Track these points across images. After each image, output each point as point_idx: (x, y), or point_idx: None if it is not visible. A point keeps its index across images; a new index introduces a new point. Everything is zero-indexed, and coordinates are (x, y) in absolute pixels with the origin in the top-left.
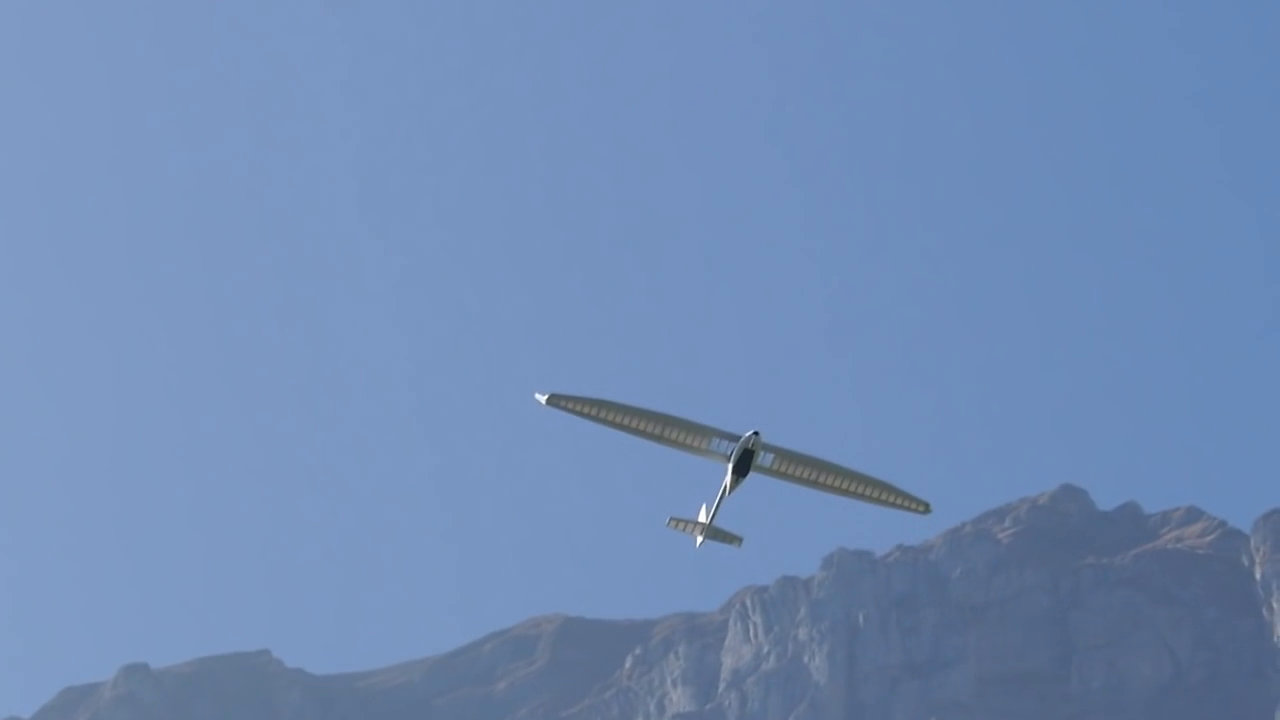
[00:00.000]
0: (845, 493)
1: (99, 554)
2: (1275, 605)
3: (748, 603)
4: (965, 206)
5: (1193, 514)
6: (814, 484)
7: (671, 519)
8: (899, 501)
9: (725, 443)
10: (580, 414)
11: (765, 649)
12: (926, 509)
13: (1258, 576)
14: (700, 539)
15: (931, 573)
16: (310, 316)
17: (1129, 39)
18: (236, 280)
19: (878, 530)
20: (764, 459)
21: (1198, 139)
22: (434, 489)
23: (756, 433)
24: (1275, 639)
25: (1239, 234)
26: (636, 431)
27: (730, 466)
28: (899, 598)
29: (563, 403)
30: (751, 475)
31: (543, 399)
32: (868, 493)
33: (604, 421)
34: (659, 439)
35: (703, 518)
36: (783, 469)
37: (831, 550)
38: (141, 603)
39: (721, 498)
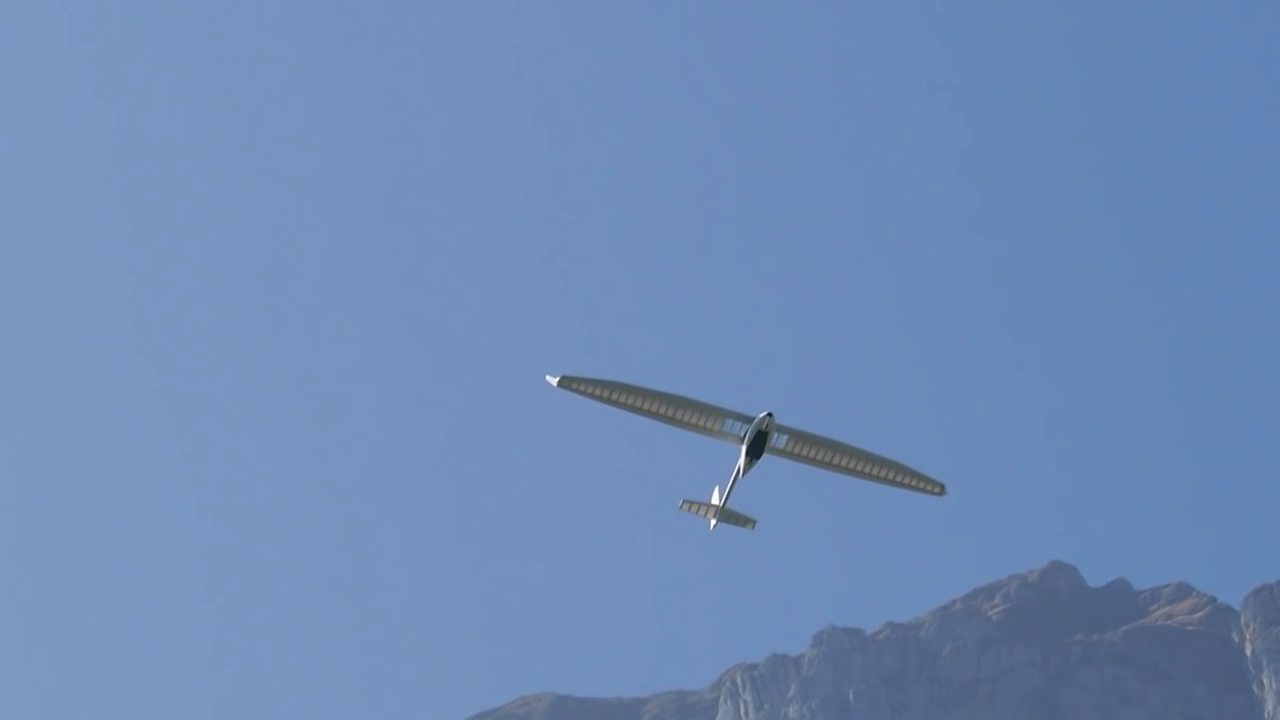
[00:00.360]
0: (860, 474)
1: (82, 638)
2: (1265, 681)
3: (738, 680)
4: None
5: (1182, 590)
6: (828, 465)
7: (684, 501)
8: (913, 483)
9: (738, 424)
10: (592, 396)
11: None
12: (942, 490)
13: (1248, 653)
14: (714, 522)
15: (921, 650)
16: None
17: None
18: (190, 331)
19: (868, 607)
20: (778, 440)
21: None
22: (418, 564)
23: (770, 414)
24: (1265, 715)
25: (1225, 317)
26: (649, 413)
27: (743, 448)
28: (889, 675)
29: (575, 385)
30: (765, 457)
31: (554, 381)
32: (882, 474)
33: (616, 403)
34: (671, 421)
35: (715, 500)
36: (797, 450)
37: (822, 628)
38: (130, 684)
39: (735, 480)
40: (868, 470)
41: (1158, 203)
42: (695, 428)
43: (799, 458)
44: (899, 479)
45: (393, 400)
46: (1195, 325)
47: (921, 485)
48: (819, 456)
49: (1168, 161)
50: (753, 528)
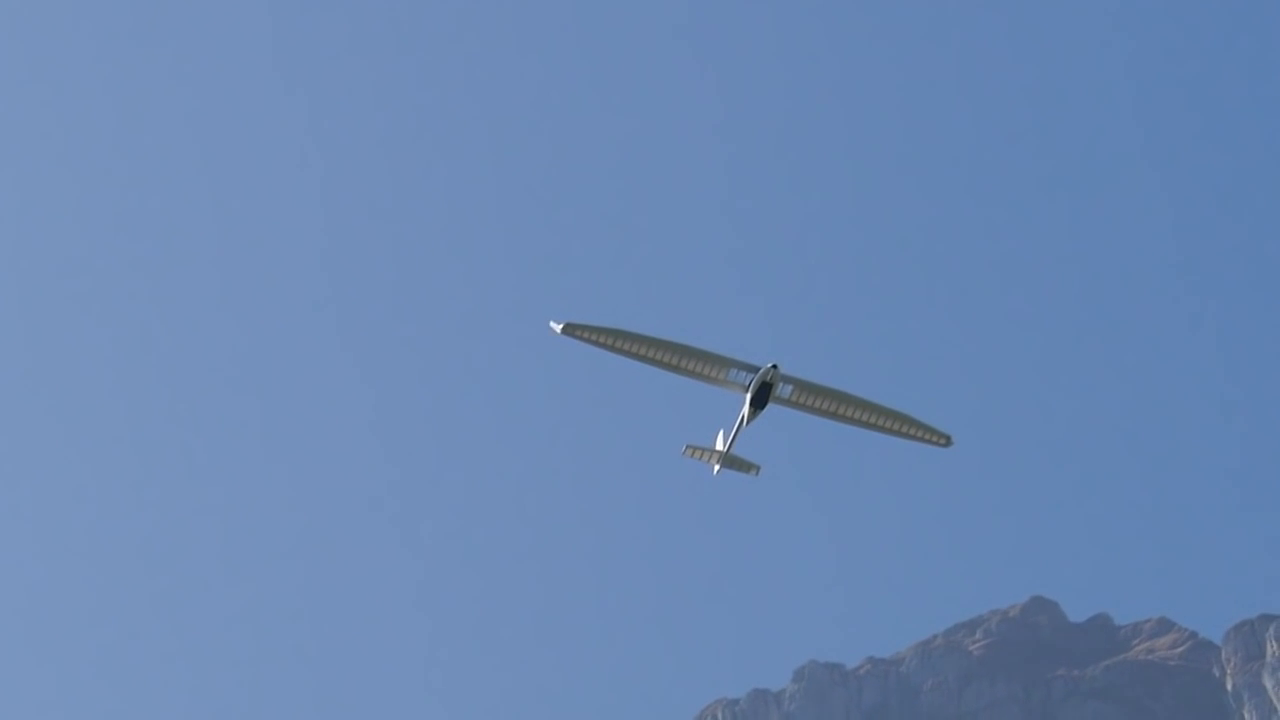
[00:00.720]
0: (866, 425)
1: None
2: (1246, 716)
3: (719, 715)
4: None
5: (1163, 625)
6: (834, 415)
7: (688, 446)
8: (919, 434)
9: (743, 373)
10: (596, 344)
11: None
12: (948, 441)
13: (1229, 688)
14: (717, 467)
15: (903, 685)
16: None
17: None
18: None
19: (849, 642)
20: (783, 390)
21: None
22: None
23: (775, 365)
24: None
25: (1207, 354)
26: (653, 361)
27: (748, 398)
28: (870, 710)
29: (578, 332)
30: (770, 407)
31: (558, 328)
32: (888, 425)
33: (620, 351)
34: (676, 369)
35: (719, 446)
36: (802, 400)
37: (803, 663)
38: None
39: (739, 428)
40: (873, 421)
41: (1168, 214)
42: (699, 376)
43: (804, 407)
44: (905, 430)
45: (385, 364)
46: (1178, 361)
47: (927, 436)
48: (824, 406)
49: (1192, 161)
50: (756, 474)
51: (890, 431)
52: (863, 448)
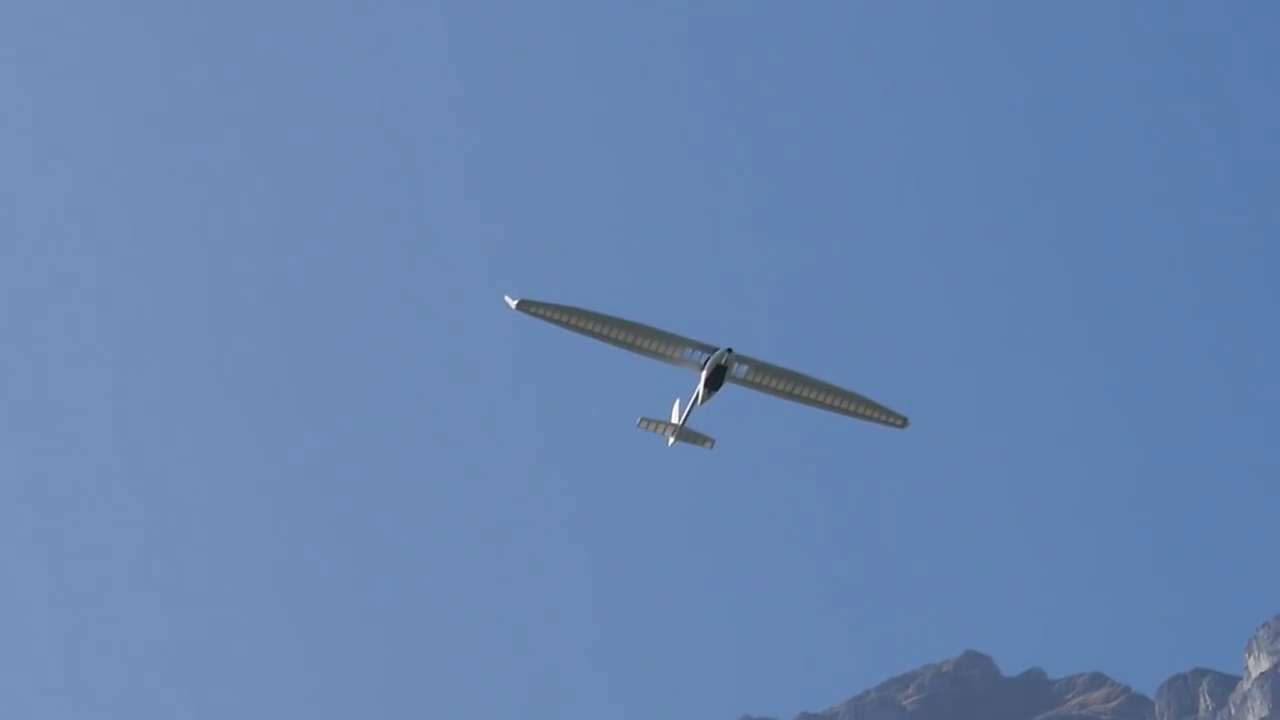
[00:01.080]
0: (822, 405)
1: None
2: None
3: None
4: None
5: (1097, 680)
6: (790, 396)
7: (642, 419)
8: (876, 415)
9: (698, 353)
10: (551, 320)
11: None
12: (904, 423)
13: None
14: (672, 440)
15: None
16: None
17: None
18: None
19: (782, 697)
20: (738, 370)
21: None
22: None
23: (730, 349)
24: None
25: (1140, 411)
26: (608, 339)
27: (703, 378)
28: None
29: (533, 309)
30: (726, 386)
31: (513, 303)
32: (845, 406)
33: (575, 328)
34: (631, 347)
35: (674, 419)
36: (758, 380)
37: (736, 718)
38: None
39: (693, 405)
40: (829, 401)
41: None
42: (655, 354)
43: (760, 387)
44: (861, 411)
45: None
46: (1110, 416)
47: (883, 418)
48: (780, 387)
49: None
50: (711, 446)
51: (846, 412)
52: (800, 498)
